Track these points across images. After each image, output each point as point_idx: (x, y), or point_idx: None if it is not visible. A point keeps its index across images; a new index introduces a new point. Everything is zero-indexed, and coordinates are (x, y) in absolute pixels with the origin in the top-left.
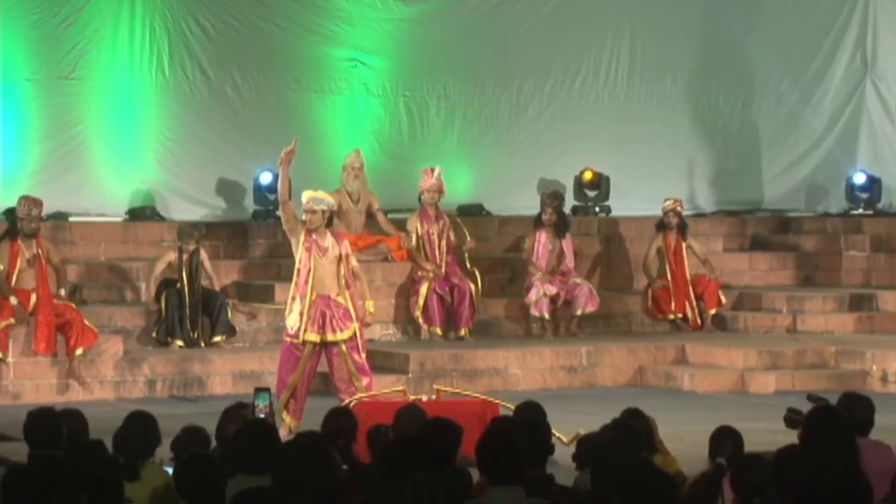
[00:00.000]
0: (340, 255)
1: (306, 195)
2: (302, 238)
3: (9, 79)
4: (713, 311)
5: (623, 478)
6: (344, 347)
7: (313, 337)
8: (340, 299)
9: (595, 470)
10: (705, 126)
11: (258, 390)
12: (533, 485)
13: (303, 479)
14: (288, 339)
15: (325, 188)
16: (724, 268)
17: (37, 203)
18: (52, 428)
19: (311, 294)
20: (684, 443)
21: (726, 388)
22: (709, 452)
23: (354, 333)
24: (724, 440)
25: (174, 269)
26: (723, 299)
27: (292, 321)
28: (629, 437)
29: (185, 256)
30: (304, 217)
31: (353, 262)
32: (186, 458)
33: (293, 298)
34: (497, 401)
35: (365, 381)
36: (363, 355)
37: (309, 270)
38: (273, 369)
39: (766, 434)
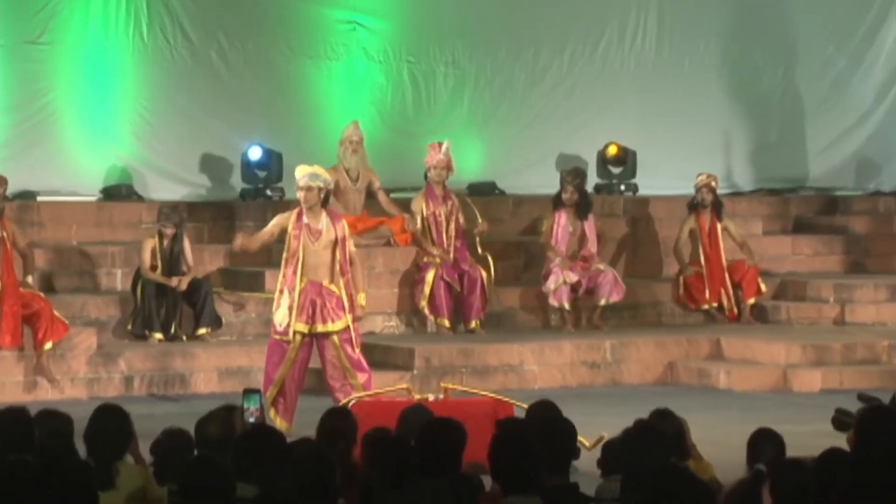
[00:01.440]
0: (336, 239)
1: (300, 170)
2: (291, 226)
3: None
4: (752, 301)
5: (652, 485)
6: (336, 340)
7: (301, 327)
8: (333, 287)
9: (622, 478)
10: (743, 95)
11: (248, 391)
12: (552, 494)
13: (301, 490)
14: (276, 336)
15: (322, 164)
16: (765, 252)
17: (1, 181)
18: (23, 429)
19: (301, 282)
20: (719, 447)
21: (766, 386)
22: (747, 458)
23: (348, 325)
24: (764, 444)
25: (155, 255)
26: (763, 287)
27: (280, 317)
28: (658, 440)
29: (165, 242)
30: (298, 195)
31: (351, 246)
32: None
33: (281, 292)
34: (511, 400)
35: (362, 377)
36: (357, 350)
37: (298, 259)
38: (262, 364)
39: (811, 437)
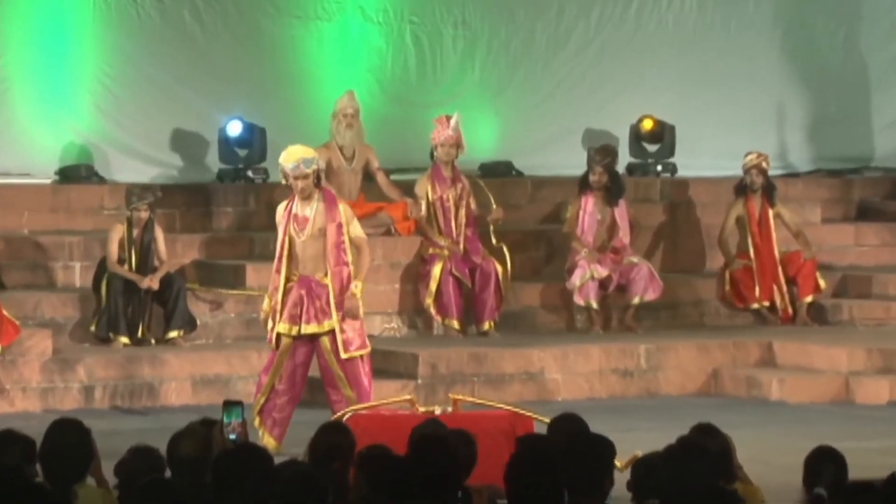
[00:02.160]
0: (332, 226)
1: (290, 155)
2: (279, 217)
3: None
4: (809, 299)
5: None
6: (327, 343)
7: (284, 328)
8: (328, 282)
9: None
10: (798, 62)
11: (228, 404)
12: None
13: None
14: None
15: (311, 142)
16: (823, 243)
17: None
18: None
19: (290, 280)
20: (771, 467)
21: (826, 397)
22: (803, 480)
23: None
24: (824, 464)
25: (123, 246)
26: (821, 283)
27: (268, 323)
28: (701, 460)
29: (135, 231)
30: (292, 184)
31: (356, 229)
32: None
33: (271, 293)
34: (531, 414)
35: (356, 391)
36: (358, 354)
37: (282, 255)
38: (244, 373)
39: (877, 455)
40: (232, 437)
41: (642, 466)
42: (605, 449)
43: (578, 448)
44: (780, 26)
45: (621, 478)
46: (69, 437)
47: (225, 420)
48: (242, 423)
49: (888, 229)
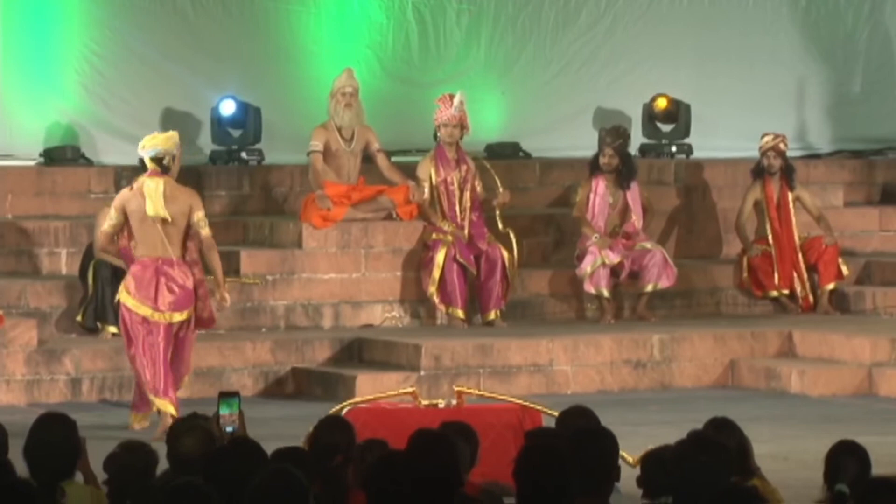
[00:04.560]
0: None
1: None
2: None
3: None
4: (830, 287)
5: None
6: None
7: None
8: None
9: (673, 500)
10: (820, 36)
11: (224, 395)
12: None
13: None
14: None
15: (308, 122)
16: (846, 228)
17: None
18: None
19: None
20: (791, 463)
21: (849, 389)
22: (824, 476)
23: None
24: (846, 460)
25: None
26: (844, 270)
27: None
28: (717, 456)
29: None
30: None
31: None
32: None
33: None
34: (539, 407)
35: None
36: None
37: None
38: (238, 364)
39: None
40: (228, 429)
41: (653, 461)
42: (608, 442)
43: (584, 441)
44: (801, 0)
45: (634, 474)
46: (55, 433)
47: (221, 412)
48: (240, 414)
49: None
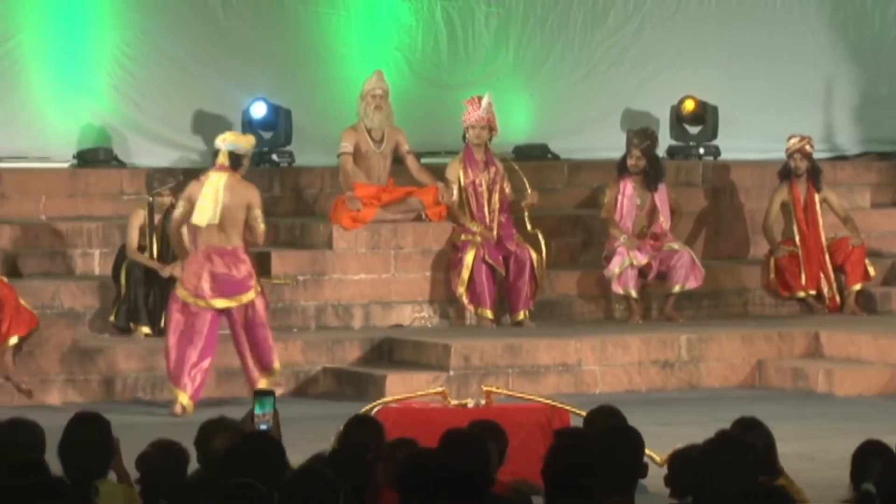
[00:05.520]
0: None
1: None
2: None
3: None
4: (857, 287)
5: None
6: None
7: None
8: None
9: (700, 498)
10: (848, 38)
11: (259, 394)
12: None
13: None
14: None
15: (338, 124)
16: (873, 229)
17: None
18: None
19: None
20: (817, 463)
21: (875, 389)
22: (851, 475)
23: None
24: (872, 459)
25: (144, 233)
26: (871, 271)
27: None
28: (745, 456)
29: (156, 217)
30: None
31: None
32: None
33: None
34: (567, 407)
35: None
36: None
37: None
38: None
39: None
40: (263, 427)
41: (680, 461)
42: (634, 441)
43: (611, 440)
44: (828, 1)
45: (661, 473)
46: (89, 432)
47: (256, 411)
48: (274, 413)
49: None
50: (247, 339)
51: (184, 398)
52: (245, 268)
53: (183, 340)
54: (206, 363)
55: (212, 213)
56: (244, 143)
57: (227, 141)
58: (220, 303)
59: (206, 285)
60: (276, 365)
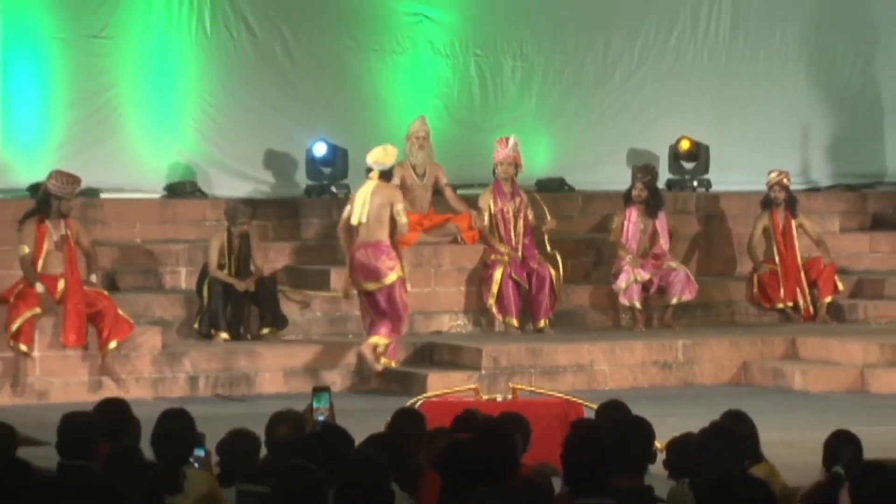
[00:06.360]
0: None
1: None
2: None
3: (34, 37)
4: (828, 299)
5: (727, 492)
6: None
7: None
8: None
9: (694, 480)
10: (820, 87)
11: (317, 390)
12: (626, 496)
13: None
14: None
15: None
16: (842, 250)
17: (75, 180)
18: (86, 435)
19: None
20: (795, 449)
21: (843, 387)
22: (823, 460)
23: None
24: (842, 446)
25: (223, 253)
26: (839, 286)
27: None
28: (730, 443)
29: (234, 240)
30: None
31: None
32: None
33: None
34: (581, 401)
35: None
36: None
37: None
38: (328, 364)
39: (890, 438)
40: (320, 418)
41: (677, 447)
42: (645, 430)
43: (624, 430)
44: (803, 56)
45: (660, 457)
46: (178, 425)
47: (314, 404)
48: (330, 406)
49: None
50: (387, 312)
51: (377, 339)
52: (386, 257)
53: (366, 318)
54: (398, 328)
55: (360, 214)
56: (388, 160)
57: (377, 162)
58: (370, 286)
59: (358, 273)
60: (397, 338)
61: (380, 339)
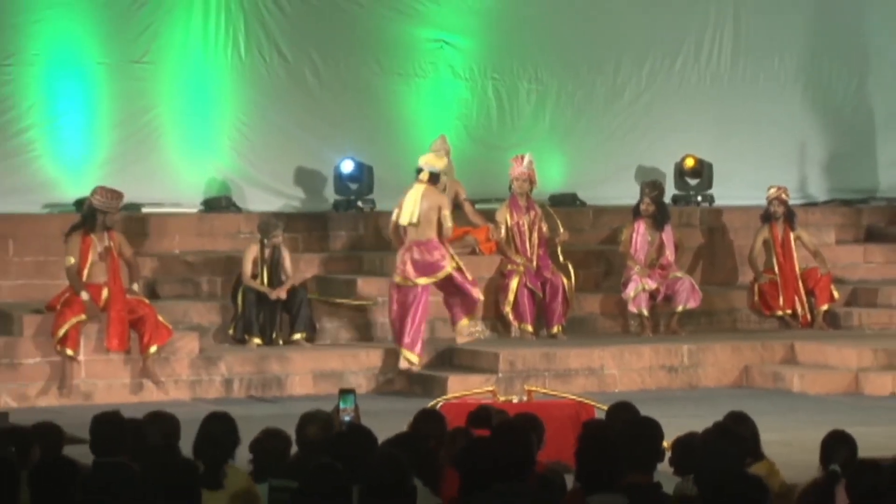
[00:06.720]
0: None
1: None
2: None
3: (79, 62)
4: (825, 307)
5: (728, 490)
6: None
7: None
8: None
9: (698, 478)
10: (816, 107)
11: (344, 392)
12: (637, 492)
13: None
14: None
15: (409, 178)
16: (837, 261)
17: (118, 195)
18: (117, 432)
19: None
20: (793, 448)
21: (839, 389)
22: (820, 459)
23: None
24: (837, 446)
25: (256, 264)
26: (835, 294)
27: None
28: (733, 442)
29: (266, 251)
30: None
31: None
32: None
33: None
34: (592, 402)
35: None
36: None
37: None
38: (355, 368)
39: (883, 438)
40: (346, 418)
41: (682, 446)
42: (655, 430)
43: (634, 429)
44: (800, 79)
45: (666, 456)
46: (220, 427)
47: (341, 405)
48: (355, 407)
49: (891, 249)
50: (459, 296)
51: (408, 355)
52: (438, 253)
53: (399, 314)
54: (422, 327)
55: (410, 215)
56: (439, 164)
57: (427, 163)
58: (423, 280)
59: (409, 269)
60: (476, 311)
61: (463, 322)
